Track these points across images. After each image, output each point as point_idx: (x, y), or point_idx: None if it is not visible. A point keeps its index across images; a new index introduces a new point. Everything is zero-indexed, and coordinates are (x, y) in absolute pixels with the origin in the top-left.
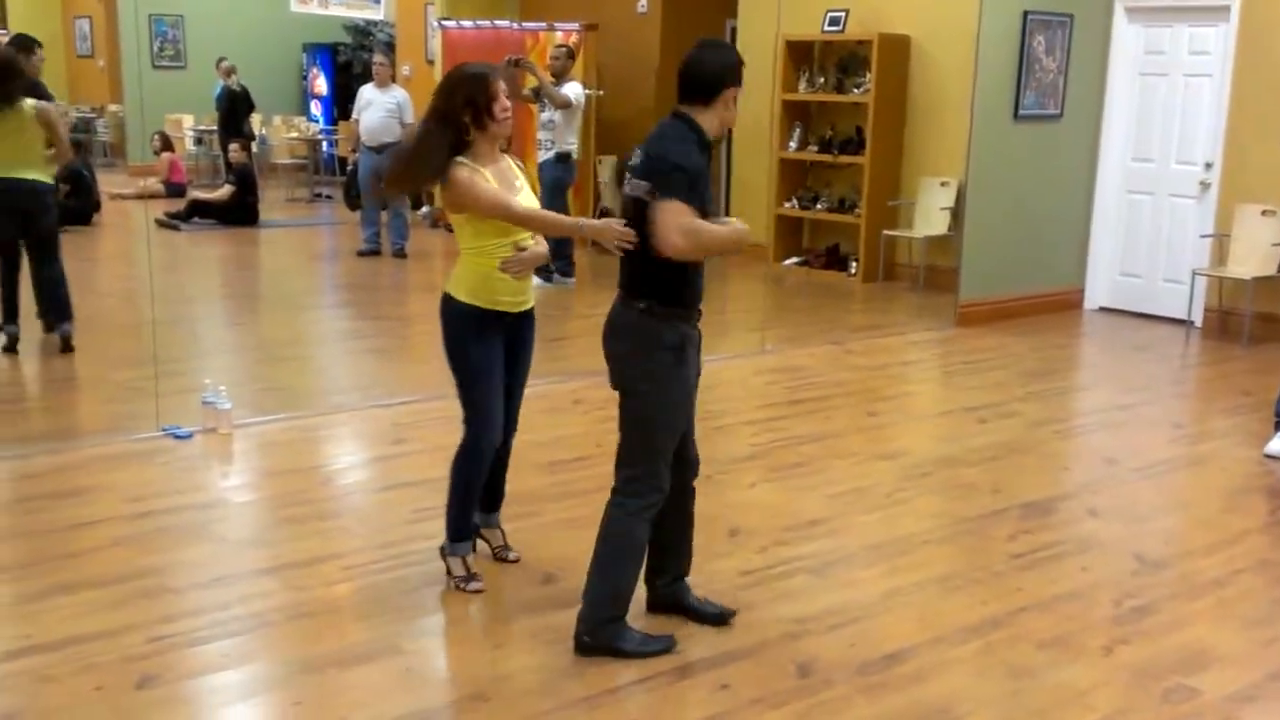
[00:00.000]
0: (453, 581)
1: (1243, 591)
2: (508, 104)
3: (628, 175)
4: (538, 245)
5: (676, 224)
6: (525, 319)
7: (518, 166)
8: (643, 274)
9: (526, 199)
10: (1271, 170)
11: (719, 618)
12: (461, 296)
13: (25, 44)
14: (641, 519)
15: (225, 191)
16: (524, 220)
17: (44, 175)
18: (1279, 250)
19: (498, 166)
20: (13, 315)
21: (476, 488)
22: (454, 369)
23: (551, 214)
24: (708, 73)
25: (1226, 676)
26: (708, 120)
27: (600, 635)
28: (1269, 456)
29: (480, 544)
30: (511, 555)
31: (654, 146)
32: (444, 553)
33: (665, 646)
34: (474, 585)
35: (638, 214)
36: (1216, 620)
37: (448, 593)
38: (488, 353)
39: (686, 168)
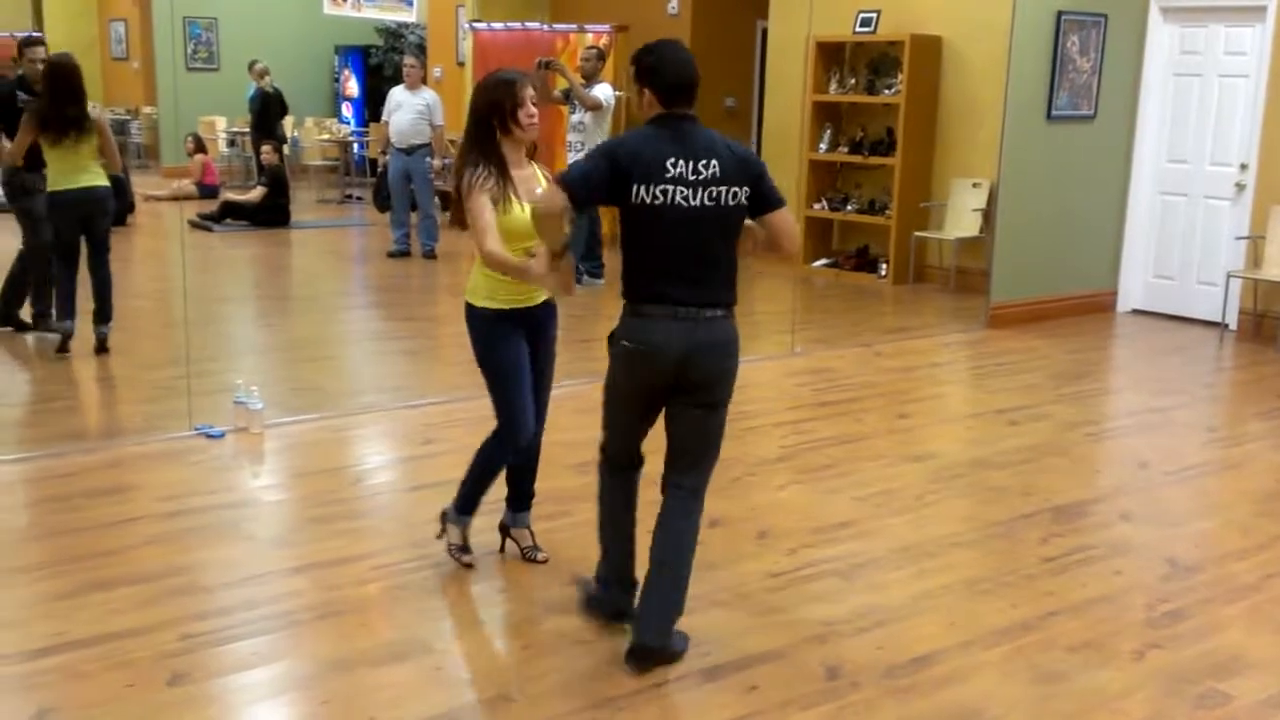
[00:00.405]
0: (449, 548)
1: (1277, 596)
2: (534, 110)
3: (697, 184)
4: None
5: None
6: (545, 311)
7: (543, 175)
8: (731, 282)
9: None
10: None
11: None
12: (479, 301)
13: (28, 41)
14: None
15: (257, 193)
16: (491, 262)
17: (104, 180)
18: None
19: (522, 174)
20: (72, 312)
21: (494, 472)
22: (483, 371)
23: (514, 262)
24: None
25: (1260, 682)
26: None
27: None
28: None
29: (510, 545)
30: (540, 555)
31: (736, 148)
32: (444, 518)
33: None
34: (466, 557)
35: (728, 220)
36: (1250, 625)
37: (478, 592)
38: (510, 351)
39: None
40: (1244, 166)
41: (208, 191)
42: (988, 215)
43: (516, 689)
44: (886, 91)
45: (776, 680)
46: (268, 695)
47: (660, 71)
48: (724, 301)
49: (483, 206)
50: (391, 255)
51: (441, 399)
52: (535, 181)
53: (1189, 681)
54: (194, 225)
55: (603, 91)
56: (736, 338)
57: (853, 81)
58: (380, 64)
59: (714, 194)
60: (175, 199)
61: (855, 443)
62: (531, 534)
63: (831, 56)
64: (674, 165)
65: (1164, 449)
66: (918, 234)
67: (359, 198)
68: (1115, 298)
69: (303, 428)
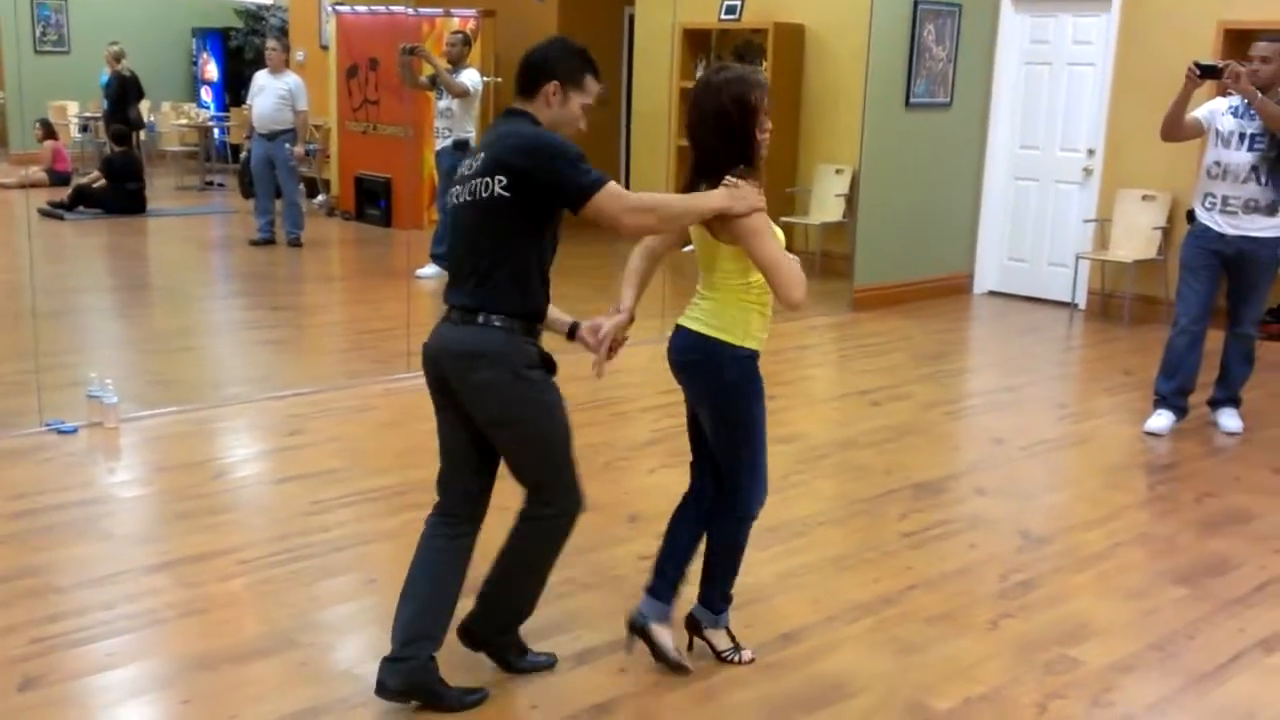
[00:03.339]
0: (721, 654)
1: (1123, 564)
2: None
3: (466, 180)
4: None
5: None
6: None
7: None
8: (505, 285)
9: None
10: (1151, 156)
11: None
12: (739, 340)
13: None
14: None
15: (99, 180)
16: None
17: None
18: (1159, 234)
19: None
20: None
21: (743, 549)
22: (738, 427)
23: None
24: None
25: (1107, 647)
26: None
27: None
28: (1149, 433)
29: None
30: (745, 656)
31: (519, 135)
32: (695, 627)
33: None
34: (748, 654)
35: (491, 214)
36: (1098, 593)
37: (346, 585)
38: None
39: None
40: (1091, 152)
41: (60, 179)
42: (851, 200)
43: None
44: None
45: (646, 662)
46: (126, 697)
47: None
48: (487, 307)
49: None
50: (255, 243)
51: (308, 389)
52: None
53: (1040, 648)
54: (44, 214)
55: (469, 78)
56: (499, 348)
57: None
58: (241, 47)
59: (473, 187)
60: (24, 186)
61: None
62: (730, 634)
63: (698, 43)
64: (467, 166)
65: (1017, 426)
66: (784, 219)
67: (220, 184)
68: (971, 280)
69: (161, 421)
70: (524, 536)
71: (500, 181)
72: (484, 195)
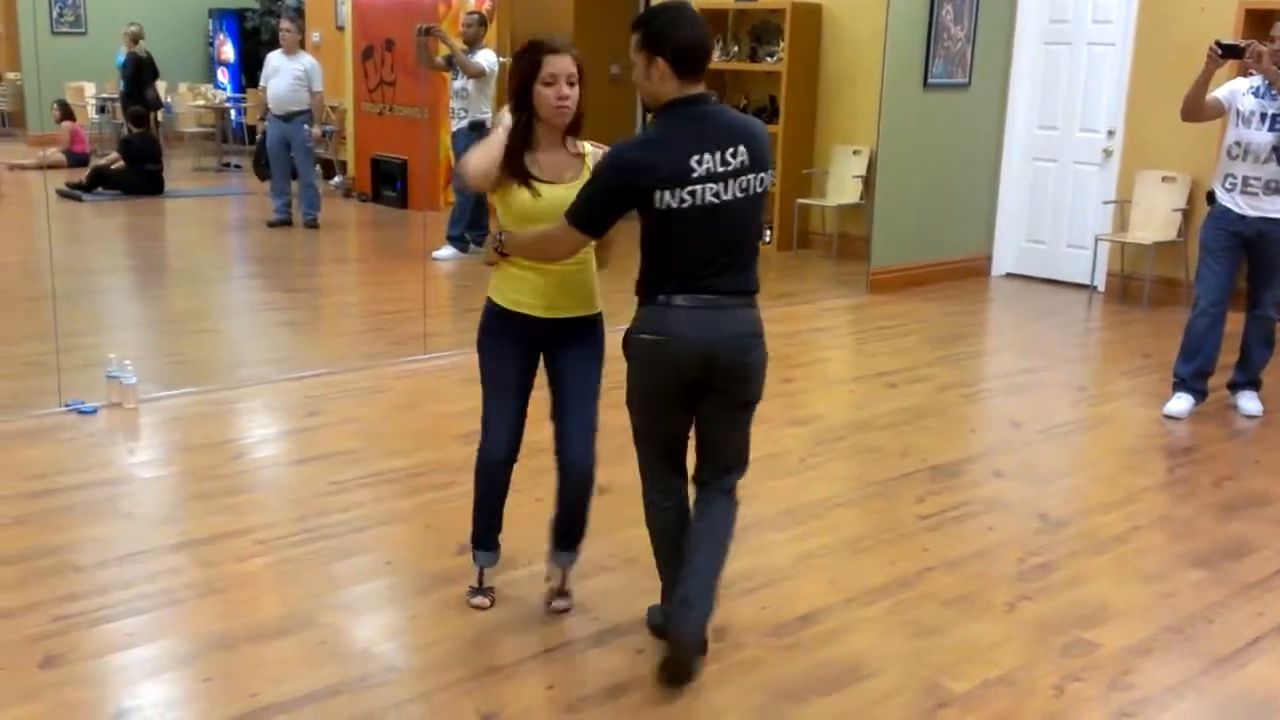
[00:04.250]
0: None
1: (1141, 548)
2: (566, 92)
3: (726, 176)
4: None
5: None
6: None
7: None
8: (755, 268)
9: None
10: (1171, 137)
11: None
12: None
13: None
14: None
15: (117, 162)
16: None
17: None
18: (1178, 215)
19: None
20: None
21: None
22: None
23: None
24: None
25: (1124, 630)
26: None
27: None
28: (1168, 416)
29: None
30: (561, 604)
31: (754, 126)
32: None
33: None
34: (476, 599)
35: (758, 207)
36: (1116, 576)
37: (364, 566)
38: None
39: None
40: (1111, 133)
41: (77, 160)
42: (868, 182)
43: (402, 660)
44: (769, 59)
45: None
46: (147, 675)
47: (669, 35)
48: (749, 288)
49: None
50: (272, 225)
51: (326, 370)
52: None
53: (1058, 631)
54: (62, 195)
55: (485, 58)
56: (762, 330)
57: (735, 49)
58: (257, 28)
59: (744, 184)
60: (42, 168)
61: None
62: (564, 576)
63: (715, 24)
64: (699, 163)
65: (1035, 408)
66: (800, 201)
67: (237, 165)
68: (989, 262)
69: (180, 402)
70: (730, 511)
71: (767, 178)
72: (757, 190)
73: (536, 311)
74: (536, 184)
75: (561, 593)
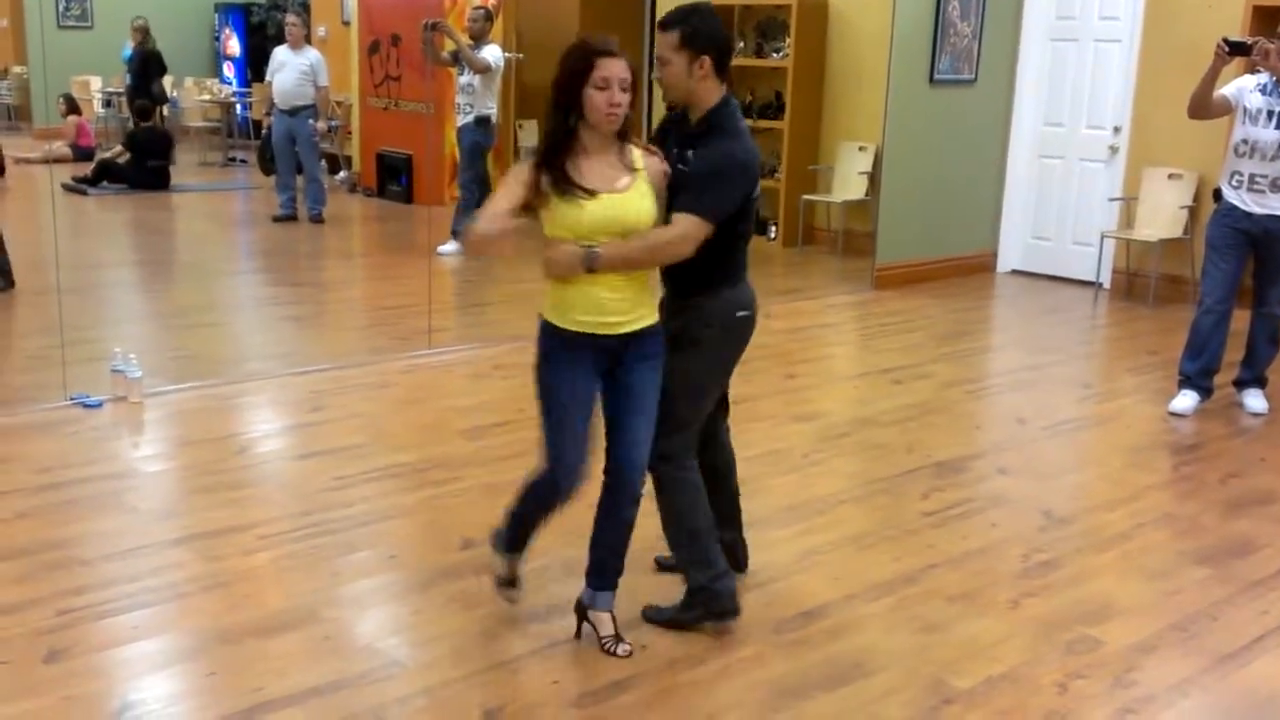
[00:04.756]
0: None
1: (1145, 545)
2: (619, 99)
3: None
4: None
5: None
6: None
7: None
8: None
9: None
10: (1178, 134)
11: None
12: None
13: None
14: None
15: (123, 155)
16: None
17: None
18: (1185, 213)
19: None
20: None
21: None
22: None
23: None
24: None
25: (1128, 627)
26: None
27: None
28: (1173, 414)
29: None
30: (621, 649)
31: None
32: (493, 540)
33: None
34: (506, 592)
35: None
36: (1120, 573)
37: (368, 561)
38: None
39: None
40: (1117, 129)
41: (83, 154)
42: (874, 178)
43: (406, 655)
44: (775, 55)
45: (666, 638)
46: (152, 669)
47: (715, 34)
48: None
49: None
50: (277, 219)
51: (331, 365)
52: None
53: (1061, 628)
54: (67, 189)
55: (491, 53)
56: None
57: (741, 45)
58: (263, 22)
59: None
60: (48, 162)
61: (744, 404)
62: (613, 619)
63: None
64: None
65: (1040, 405)
66: (806, 197)
67: (243, 160)
68: (995, 258)
69: (185, 396)
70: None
71: None
72: None
73: (617, 328)
74: (581, 192)
75: (617, 637)
